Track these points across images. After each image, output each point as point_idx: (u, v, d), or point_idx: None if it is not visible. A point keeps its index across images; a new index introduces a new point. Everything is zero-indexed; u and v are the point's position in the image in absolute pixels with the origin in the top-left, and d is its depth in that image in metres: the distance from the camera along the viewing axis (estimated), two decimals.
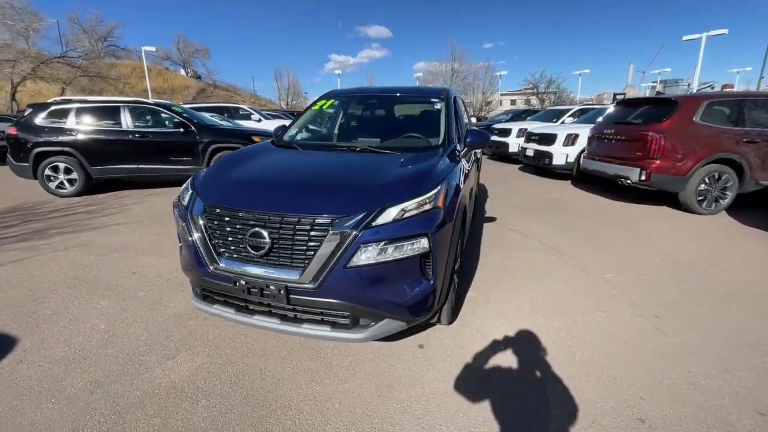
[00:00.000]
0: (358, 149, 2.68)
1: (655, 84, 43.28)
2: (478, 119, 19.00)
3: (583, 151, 7.11)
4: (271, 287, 1.82)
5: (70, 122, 6.20)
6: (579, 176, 7.50)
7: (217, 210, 1.94)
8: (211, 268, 1.94)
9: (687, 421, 1.75)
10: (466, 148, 2.97)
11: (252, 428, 1.70)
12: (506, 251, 3.85)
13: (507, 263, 3.54)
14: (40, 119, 6.16)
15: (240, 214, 1.88)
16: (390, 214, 1.80)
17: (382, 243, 1.75)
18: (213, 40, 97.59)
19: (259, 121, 12.63)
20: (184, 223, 2.06)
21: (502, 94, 45.23)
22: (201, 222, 1.97)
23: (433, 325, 2.46)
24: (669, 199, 5.66)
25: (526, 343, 2.32)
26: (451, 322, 2.47)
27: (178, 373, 2.05)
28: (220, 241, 1.95)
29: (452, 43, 44.10)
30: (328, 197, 1.89)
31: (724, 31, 20.19)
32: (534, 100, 34.12)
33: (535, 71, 35.28)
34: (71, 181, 6.30)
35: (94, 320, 2.56)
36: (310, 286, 1.78)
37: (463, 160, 2.89)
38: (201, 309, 2.11)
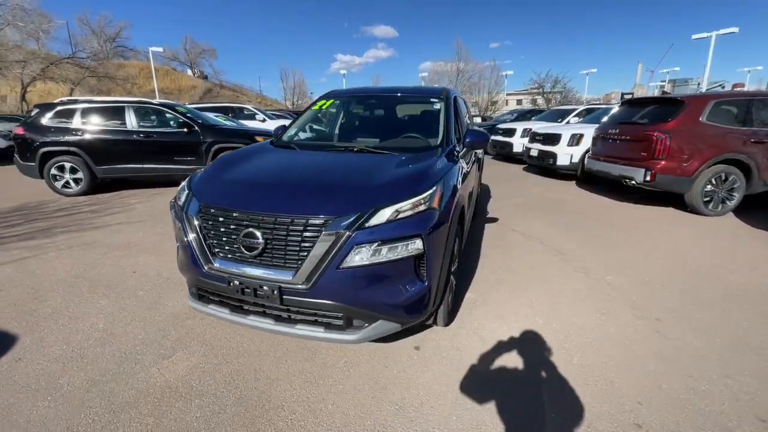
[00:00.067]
0: (355, 149, 2.68)
1: (663, 83, 42.82)
2: (483, 119, 18.91)
3: (587, 151, 7.04)
4: (265, 288, 1.81)
5: (76, 122, 6.27)
6: (583, 177, 7.42)
7: (212, 210, 1.95)
8: (206, 268, 1.94)
9: (685, 427, 1.72)
10: (465, 149, 2.94)
11: (244, 429, 1.70)
12: (507, 252, 3.82)
13: (507, 264, 3.51)
14: (46, 119, 6.24)
15: (234, 214, 1.88)
16: (384, 215, 1.79)
17: (376, 244, 1.74)
18: (220, 40, 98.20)
19: (264, 121, 12.69)
20: (179, 223, 2.07)
21: (508, 94, 44.99)
22: (196, 222, 1.97)
23: (430, 326, 2.45)
24: (675, 200, 5.59)
25: (523, 346, 2.29)
26: (448, 323, 2.45)
27: (174, 373, 2.05)
28: (215, 242, 1.95)
29: (458, 42, 43.85)
30: (321, 198, 1.89)
31: (735, 29, 19.89)
32: (540, 100, 33.89)
33: (540, 71, 35.04)
34: (77, 181, 6.37)
35: (93, 319, 2.58)
36: (303, 286, 1.77)
37: (462, 161, 2.87)
38: (196, 309, 2.12)
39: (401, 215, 1.83)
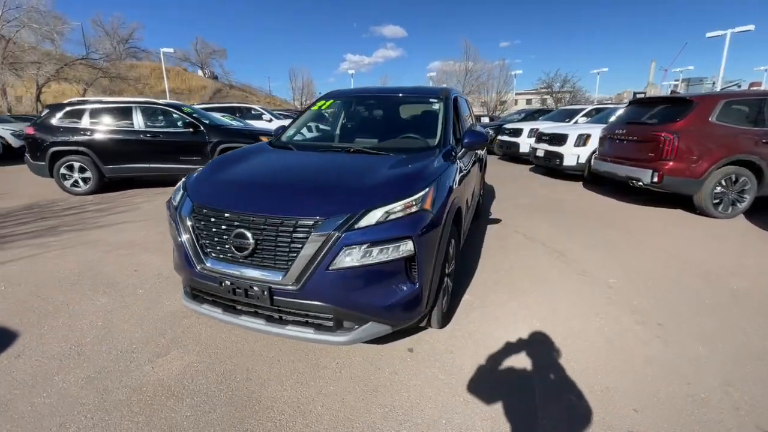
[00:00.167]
0: (351, 150, 2.67)
1: (677, 82, 42.02)
2: (491, 119, 18.76)
3: (594, 151, 6.93)
4: (255, 288, 1.82)
5: (85, 122, 6.38)
6: (590, 178, 7.32)
7: (204, 210, 1.96)
8: (198, 268, 1.95)
9: None
10: (463, 149, 2.91)
11: (233, 428, 1.71)
12: (508, 254, 3.78)
13: (507, 266, 3.48)
14: (56, 119, 6.36)
15: (225, 214, 1.89)
16: (374, 216, 1.78)
17: (365, 245, 1.73)
18: (230, 41, 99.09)
19: (270, 121, 12.77)
20: (174, 223, 2.08)
21: (517, 94, 44.54)
22: (189, 222, 1.99)
23: (425, 328, 2.43)
24: (683, 201, 5.47)
25: (518, 350, 2.26)
26: (443, 326, 2.43)
27: (167, 371, 2.07)
28: (207, 242, 1.96)
29: (466, 41, 43.55)
30: (311, 199, 1.89)
31: (750, 27, 19.41)
32: (550, 100, 33.52)
33: (549, 70, 34.63)
34: (85, 180, 6.48)
35: (92, 317, 2.62)
36: (293, 287, 1.77)
37: (461, 161, 2.85)
38: (191, 308, 2.13)
39: (392, 217, 1.82)
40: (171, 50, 28.04)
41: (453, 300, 2.77)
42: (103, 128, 6.41)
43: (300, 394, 1.91)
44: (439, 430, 1.70)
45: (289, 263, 1.77)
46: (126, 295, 2.93)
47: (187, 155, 6.65)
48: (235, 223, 1.85)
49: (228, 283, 1.87)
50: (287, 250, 1.78)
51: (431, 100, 3.22)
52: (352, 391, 1.93)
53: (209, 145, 6.68)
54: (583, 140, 7.34)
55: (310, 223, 1.76)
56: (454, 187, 2.42)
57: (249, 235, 1.80)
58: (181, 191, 2.18)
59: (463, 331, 2.45)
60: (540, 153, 8.28)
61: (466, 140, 2.87)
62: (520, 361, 2.17)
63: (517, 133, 10.43)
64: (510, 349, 2.27)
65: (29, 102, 23.08)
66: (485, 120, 17.99)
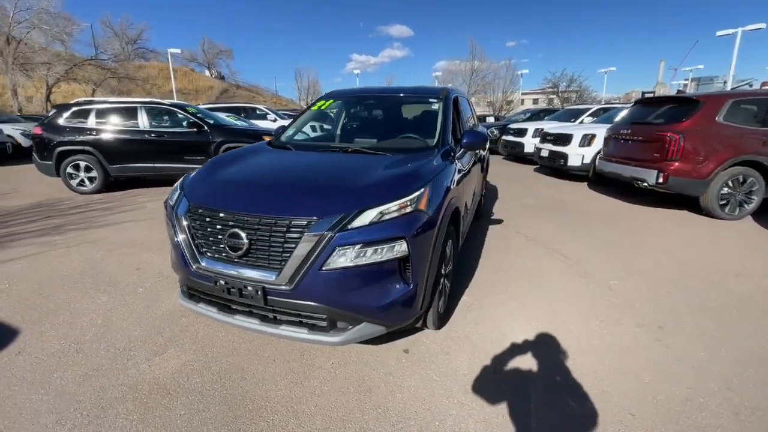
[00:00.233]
0: (349, 150, 2.67)
1: (686, 82, 41.43)
2: (496, 119, 18.65)
3: (599, 152, 6.86)
4: (249, 288, 1.82)
5: (91, 122, 6.46)
6: (595, 178, 7.24)
7: (200, 210, 1.97)
8: (194, 267, 1.96)
9: None
10: (462, 149, 2.90)
11: (225, 428, 1.71)
12: (508, 255, 3.75)
13: (507, 268, 3.45)
14: (62, 119, 6.44)
15: (220, 214, 1.90)
16: (367, 216, 1.78)
17: (358, 246, 1.73)
18: (237, 41, 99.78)
19: (275, 120, 12.82)
20: (170, 222, 2.10)
21: (523, 93, 44.27)
22: (185, 222, 2.00)
23: (421, 329, 2.42)
24: (689, 202, 5.40)
25: (515, 352, 2.24)
26: (439, 327, 2.42)
27: (163, 369, 2.09)
28: (202, 241, 1.97)
29: (471, 41, 43.38)
30: (305, 199, 1.89)
31: (762, 25, 19.09)
32: (556, 100, 33.25)
33: (555, 69, 34.31)
34: (91, 179, 6.56)
35: (92, 315, 2.64)
36: (286, 287, 1.77)
37: (459, 161, 2.83)
38: (187, 307, 2.14)
39: (386, 217, 1.81)
40: (178, 51, 28.29)
41: (451, 301, 2.76)
42: (109, 128, 6.49)
43: (294, 394, 1.92)
44: None
45: (283, 263, 1.77)
46: (126, 293, 2.96)
47: (191, 155, 6.69)
48: (230, 223, 1.86)
49: (222, 282, 1.88)
50: (281, 250, 1.78)
51: (431, 100, 3.20)
52: (346, 392, 1.93)
53: (213, 145, 6.72)
54: (588, 140, 7.26)
55: (303, 223, 1.76)
56: (452, 187, 2.41)
57: (243, 235, 1.81)
58: (178, 191, 2.20)
59: (460, 333, 2.43)
60: (544, 153, 8.22)
61: (465, 140, 2.85)
62: (517, 363, 2.15)
63: (521, 133, 10.37)
64: (507, 351, 2.25)
65: (39, 102, 23.41)
66: (490, 120, 17.89)
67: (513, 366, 2.13)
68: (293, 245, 1.75)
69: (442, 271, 2.31)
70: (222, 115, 8.61)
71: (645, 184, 5.29)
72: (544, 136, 8.45)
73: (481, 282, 3.17)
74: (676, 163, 4.94)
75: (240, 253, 1.83)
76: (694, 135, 4.89)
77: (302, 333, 1.85)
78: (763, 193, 4.95)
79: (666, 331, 2.47)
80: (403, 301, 1.87)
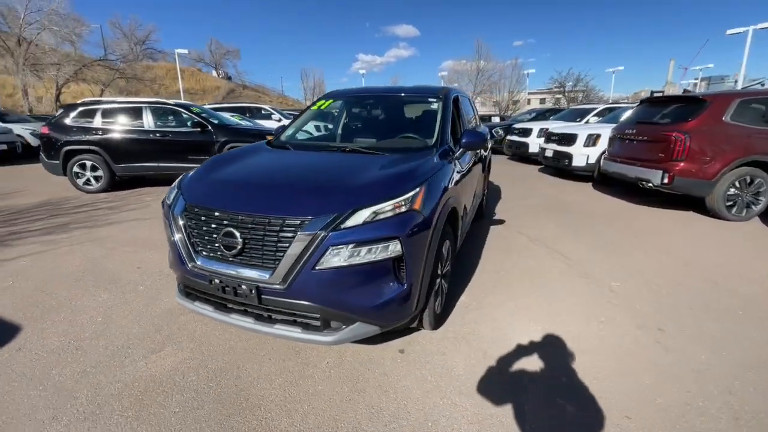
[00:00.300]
0: (347, 150, 2.67)
1: (696, 81, 40.85)
2: (502, 118, 18.55)
3: (604, 152, 6.79)
4: (243, 287, 1.83)
5: (97, 122, 6.54)
6: (600, 178, 7.17)
7: (196, 209, 1.98)
8: (190, 265, 1.98)
9: None
10: (461, 149, 2.88)
11: (219, 425, 1.72)
12: (509, 255, 3.72)
13: (507, 268, 3.43)
14: (69, 119, 6.53)
15: (215, 213, 1.90)
16: (361, 216, 1.77)
17: (352, 245, 1.73)
18: (243, 41, 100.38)
19: (280, 120, 12.87)
20: (167, 221, 2.11)
21: (530, 93, 43.96)
22: (181, 221, 2.01)
23: (418, 329, 2.41)
24: (695, 203, 5.32)
25: (512, 353, 2.23)
26: (436, 327, 2.41)
27: (160, 367, 2.10)
28: (198, 240, 1.98)
29: (477, 40, 43.12)
30: (299, 198, 1.89)
31: None
32: (564, 100, 32.98)
33: (561, 69, 33.88)
34: (97, 178, 6.63)
35: (93, 312, 2.67)
36: (280, 286, 1.77)
37: (458, 161, 2.82)
38: (183, 305, 2.16)
39: (380, 216, 1.80)
40: (185, 51, 28.54)
41: (449, 301, 2.75)
42: (114, 128, 6.56)
43: (288, 393, 1.92)
44: None
45: (276, 263, 1.78)
46: (127, 291, 2.99)
47: (195, 154, 6.74)
48: (225, 222, 1.86)
49: (218, 281, 1.89)
50: (274, 249, 1.79)
51: (430, 99, 3.19)
52: (340, 391, 1.93)
53: (217, 145, 6.76)
54: (592, 140, 7.20)
55: (297, 222, 1.76)
56: (449, 187, 2.40)
57: (237, 234, 1.82)
58: (176, 190, 2.21)
59: (457, 333, 2.42)
60: (549, 153, 8.15)
61: (464, 140, 2.84)
62: (514, 364, 2.13)
63: (526, 132, 10.29)
64: (504, 352, 2.24)
65: (49, 102, 23.73)
66: (495, 119, 17.80)
67: (509, 367, 2.11)
68: (286, 244, 1.76)
69: (439, 272, 2.30)
70: (226, 115, 8.67)
71: (650, 184, 5.22)
72: (549, 136, 8.39)
73: (480, 282, 3.15)
74: (682, 164, 4.88)
75: (234, 252, 1.83)
76: (700, 135, 4.81)
77: (296, 332, 1.85)
78: None
79: (667, 333, 2.43)
80: (397, 301, 1.87)
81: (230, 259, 1.88)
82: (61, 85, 22.48)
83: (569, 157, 7.50)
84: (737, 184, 4.82)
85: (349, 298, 1.79)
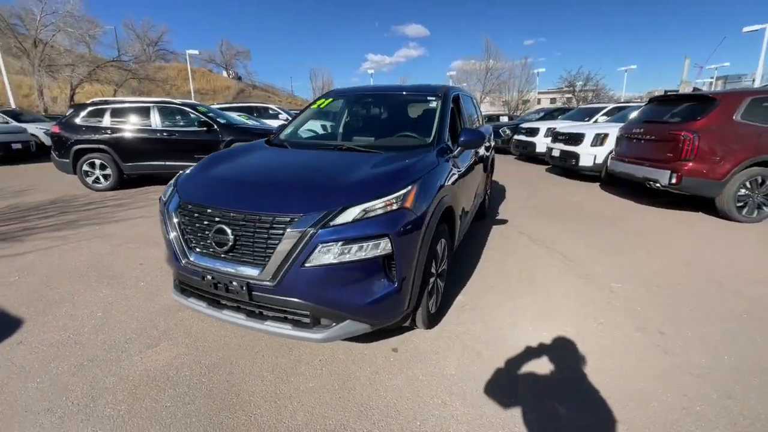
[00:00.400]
0: (344, 148, 2.67)
1: (712, 80, 39.98)
2: (510, 118, 18.38)
3: (612, 152, 6.68)
4: (234, 283, 1.84)
5: (106, 121, 6.65)
6: (607, 178, 7.06)
7: (189, 206, 2.00)
8: (183, 262, 2.00)
9: None
10: (459, 148, 2.86)
11: (208, 420, 1.73)
12: (509, 255, 3.69)
13: (506, 268, 3.39)
14: (79, 119, 6.66)
15: (208, 210, 1.92)
16: (350, 213, 1.77)
17: (341, 243, 1.72)
18: (253, 42, 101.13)
19: (287, 120, 12.94)
20: (162, 218, 2.14)
21: (540, 93, 43.49)
22: (176, 218, 2.03)
23: (412, 328, 2.40)
24: (705, 204, 5.20)
25: (506, 353, 2.20)
26: (430, 326, 2.40)
27: (155, 362, 2.13)
28: (191, 237, 2.00)
29: (486, 39, 42.77)
30: (290, 196, 1.89)
31: None
32: (575, 100, 32.56)
33: (571, 68, 33.53)
34: (106, 177, 6.75)
35: (94, 307, 2.72)
36: (270, 283, 1.78)
37: (456, 160, 2.80)
38: (178, 301, 2.18)
39: (369, 214, 1.80)
40: (196, 52, 28.93)
41: (446, 301, 2.73)
42: (123, 127, 6.67)
43: (278, 389, 1.93)
44: (412, 431, 1.68)
45: (266, 259, 1.78)
46: (128, 287, 3.03)
47: (201, 153, 6.77)
48: (216, 219, 1.88)
49: (210, 277, 1.91)
50: (264, 246, 1.79)
51: (429, 98, 3.18)
52: (330, 389, 1.93)
53: (222, 144, 6.83)
54: (600, 140, 7.09)
55: (287, 219, 1.76)
56: (445, 185, 2.38)
57: (228, 231, 1.83)
58: (172, 188, 2.24)
59: (452, 333, 2.40)
60: (556, 153, 8.06)
61: (461, 138, 2.82)
62: (507, 365, 2.11)
63: (533, 132, 10.19)
64: (498, 352, 2.21)
65: (64, 102, 24.23)
66: (504, 119, 17.65)
67: (502, 368, 2.08)
68: (276, 241, 1.76)
69: (433, 270, 2.29)
70: (233, 115, 8.75)
71: (657, 184, 5.12)
72: (556, 136, 8.29)
73: (479, 282, 3.13)
74: (690, 163, 4.77)
75: (226, 248, 1.85)
76: (710, 134, 4.70)
77: (286, 329, 1.86)
78: None
79: (666, 336, 2.38)
80: (388, 300, 1.86)
81: (222, 255, 1.89)
82: (76, 85, 22.94)
83: (576, 156, 7.41)
84: (748, 184, 4.70)
85: (338, 296, 1.79)
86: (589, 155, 7.21)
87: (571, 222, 4.82)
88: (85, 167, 6.67)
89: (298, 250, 1.73)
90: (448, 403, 1.84)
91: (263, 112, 13.10)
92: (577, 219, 4.96)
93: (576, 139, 7.52)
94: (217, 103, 17.05)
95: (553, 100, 44.41)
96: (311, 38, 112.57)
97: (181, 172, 2.45)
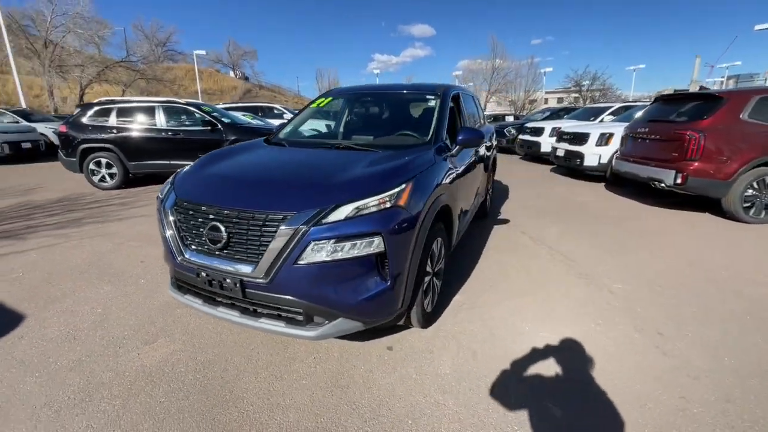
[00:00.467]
0: (341, 147, 2.67)
1: (723, 79, 39.37)
2: (516, 118, 18.28)
3: (617, 151, 6.61)
4: (228, 280, 1.85)
5: (112, 121, 6.74)
6: (612, 178, 6.99)
7: (185, 204, 2.02)
8: (179, 259, 2.01)
9: None
10: (458, 147, 2.85)
11: (201, 416, 1.74)
12: (509, 255, 3.66)
13: (506, 268, 3.37)
14: (86, 118, 6.75)
15: (202, 208, 1.93)
16: (343, 211, 1.77)
17: (333, 241, 1.72)
18: (260, 42, 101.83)
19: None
20: (159, 215, 2.16)
21: (547, 92, 43.20)
22: (171, 216, 2.05)
23: (407, 327, 2.40)
24: (711, 204, 5.12)
25: (502, 353, 2.19)
26: (425, 325, 2.39)
27: (151, 358, 2.15)
28: (187, 234, 2.02)
29: (492, 38, 42.69)
30: (284, 194, 1.90)
31: None
32: (582, 99, 32.28)
33: (578, 67, 33.30)
34: (111, 175, 6.84)
35: (94, 304, 2.75)
36: (263, 281, 1.79)
37: (454, 159, 2.79)
38: (175, 298, 2.19)
39: (362, 212, 1.80)
40: (203, 52, 29.25)
41: (442, 300, 2.72)
42: (129, 126, 6.75)
43: (272, 386, 1.93)
44: (404, 430, 1.67)
45: (259, 257, 1.79)
46: (128, 284, 3.06)
47: (205, 152, 6.83)
48: (210, 216, 1.89)
49: (204, 274, 1.92)
50: (257, 243, 1.80)
51: (428, 97, 3.17)
52: (323, 387, 1.93)
53: (226, 143, 6.86)
54: (605, 139, 7.02)
55: (279, 217, 1.77)
56: (441, 184, 2.37)
57: (222, 228, 1.84)
58: (169, 186, 2.26)
59: (447, 332, 2.39)
60: (560, 152, 7.99)
61: (460, 137, 2.80)
62: (501, 364, 2.09)
63: (538, 132, 10.12)
64: (493, 352, 2.20)
65: (74, 102, 24.59)
66: (509, 119, 17.55)
67: (497, 367, 2.07)
68: (269, 239, 1.77)
69: (429, 269, 2.28)
70: (238, 114, 8.80)
71: (662, 184, 5.05)
72: (560, 135, 8.22)
73: (477, 282, 3.11)
74: (696, 163, 4.70)
75: (219, 245, 1.86)
76: (716, 133, 4.63)
77: (280, 326, 1.86)
78: None
79: (666, 337, 2.35)
80: (380, 298, 1.86)
81: (216, 252, 1.90)
82: (85, 85, 23.27)
83: (581, 156, 7.34)
84: (755, 184, 4.62)
85: (331, 294, 1.79)
86: (593, 155, 7.14)
87: (575, 222, 4.77)
88: (92, 166, 6.75)
89: (290, 248, 1.73)
90: (441, 402, 1.83)
91: (268, 112, 13.17)
92: (580, 219, 4.92)
93: (581, 138, 7.45)
94: (223, 103, 17.18)
95: (560, 100, 44.07)
96: (318, 38, 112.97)
97: (179, 170, 2.47)
